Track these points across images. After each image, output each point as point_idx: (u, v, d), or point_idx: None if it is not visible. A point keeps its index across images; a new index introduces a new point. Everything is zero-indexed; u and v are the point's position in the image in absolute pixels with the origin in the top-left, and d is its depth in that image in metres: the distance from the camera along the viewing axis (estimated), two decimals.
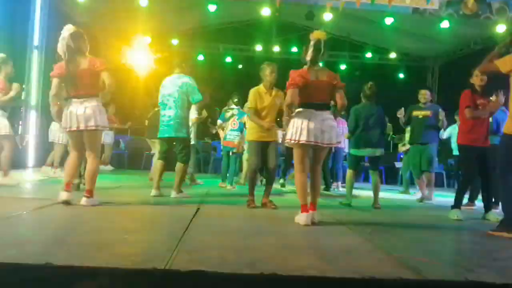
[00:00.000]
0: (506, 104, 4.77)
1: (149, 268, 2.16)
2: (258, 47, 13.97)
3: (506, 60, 4.03)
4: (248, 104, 5.26)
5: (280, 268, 2.32)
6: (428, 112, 7.11)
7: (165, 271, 2.18)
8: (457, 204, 5.15)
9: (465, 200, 5.96)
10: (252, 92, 5.19)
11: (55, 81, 4.49)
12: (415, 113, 7.22)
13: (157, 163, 5.95)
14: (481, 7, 9.32)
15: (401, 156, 11.51)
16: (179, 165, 5.71)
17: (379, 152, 5.97)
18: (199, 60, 14.22)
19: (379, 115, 5.99)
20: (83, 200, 4.36)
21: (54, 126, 7.88)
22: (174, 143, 5.81)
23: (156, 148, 6.89)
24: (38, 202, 4.39)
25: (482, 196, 5.38)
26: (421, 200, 7.29)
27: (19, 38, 9.09)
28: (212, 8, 9.85)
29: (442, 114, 7.07)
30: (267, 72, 5.13)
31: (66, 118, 4.42)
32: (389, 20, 10.09)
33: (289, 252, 2.84)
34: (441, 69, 14.72)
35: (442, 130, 7.49)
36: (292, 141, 4.04)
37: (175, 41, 13.76)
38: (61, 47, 4.37)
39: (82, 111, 4.34)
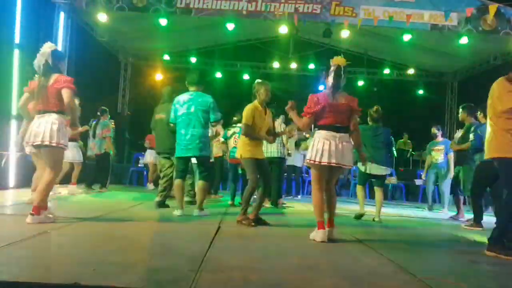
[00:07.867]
0: None
1: None
2: (275, 64, 14.11)
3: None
4: (243, 120, 5.09)
5: None
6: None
7: None
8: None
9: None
10: (250, 108, 5.08)
11: (25, 95, 4.48)
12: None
13: (176, 182, 5.71)
14: (500, 23, 9.25)
15: (421, 173, 11.36)
16: (200, 183, 5.62)
17: (384, 170, 6.22)
18: (217, 77, 14.37)
19: (385, 136, 6.28)
20: (28, 218, 4.05)
21: None
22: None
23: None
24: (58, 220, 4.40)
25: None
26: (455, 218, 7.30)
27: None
28: (230, 27, 9.96)
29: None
30: (262, 91, 5.13)
31: (28, 132, 4.36)
32: (407, 37, 10.09)
33: (312, 273, 2.81)
34: (460, 85, 14.58)
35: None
36: (312, 162, 4.09)
37: (193, 59, 13.98)
38: (37, 62, 4.35)
39: (36, 125, 4.25)
